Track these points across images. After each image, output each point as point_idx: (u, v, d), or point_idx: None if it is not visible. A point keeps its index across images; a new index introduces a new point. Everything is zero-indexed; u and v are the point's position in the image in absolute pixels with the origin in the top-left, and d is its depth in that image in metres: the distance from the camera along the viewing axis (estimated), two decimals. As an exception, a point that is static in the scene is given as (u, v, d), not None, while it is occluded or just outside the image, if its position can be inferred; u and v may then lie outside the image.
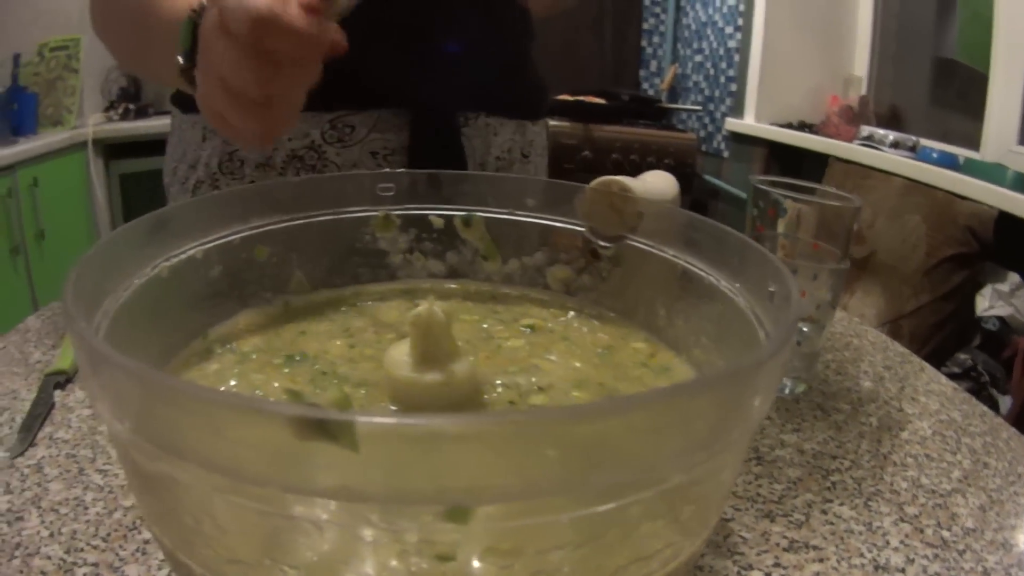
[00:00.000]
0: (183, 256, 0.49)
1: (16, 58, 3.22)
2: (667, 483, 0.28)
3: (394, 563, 0.26)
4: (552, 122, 3.22)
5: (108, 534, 0.55)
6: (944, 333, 2.41)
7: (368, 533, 0.26)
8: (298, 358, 0.48)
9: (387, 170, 0.60)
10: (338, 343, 0.51)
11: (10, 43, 3.28)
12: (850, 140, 2.94)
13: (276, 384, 0.44)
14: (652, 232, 0.55)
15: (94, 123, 3.47)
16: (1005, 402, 2.10)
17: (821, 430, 0.79)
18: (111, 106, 3.64)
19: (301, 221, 0.57)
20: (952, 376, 2.15)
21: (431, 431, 0.22)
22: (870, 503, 0.67)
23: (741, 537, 0.60)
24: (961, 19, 2.89)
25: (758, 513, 0.63)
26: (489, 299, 0.61)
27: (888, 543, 0.61)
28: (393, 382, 0.41)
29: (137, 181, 3.50)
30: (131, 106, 3.57)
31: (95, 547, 0.54)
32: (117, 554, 0.53)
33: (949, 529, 0.64)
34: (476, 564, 0.26)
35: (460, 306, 0.59)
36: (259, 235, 0.55)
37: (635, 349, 0.54)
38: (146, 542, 0.54)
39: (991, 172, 2.39)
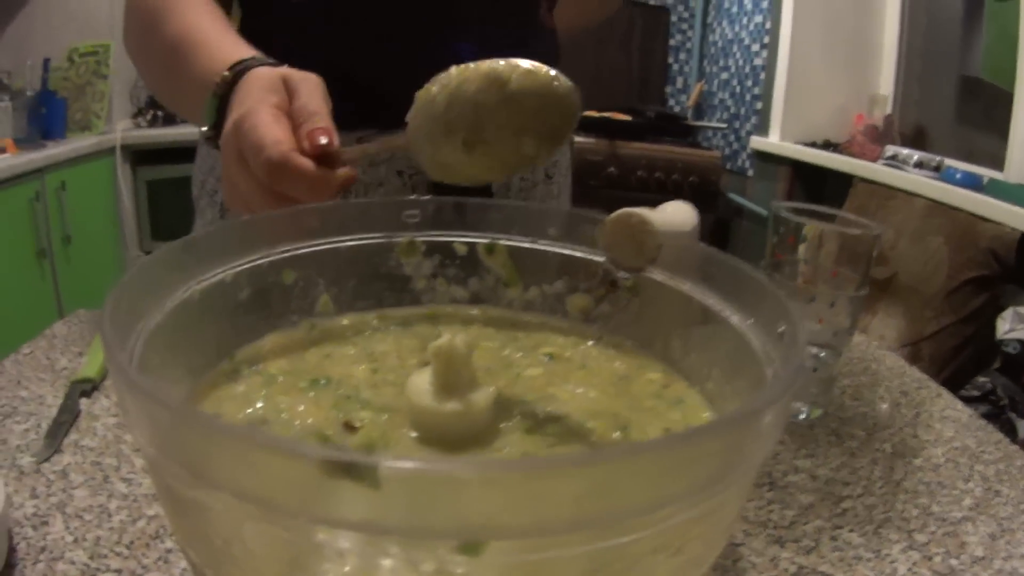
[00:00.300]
0: (214, 279, 0.51)
1: (46, 63, 3.28)
2: (671, 521, 0.30)
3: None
4: (577, 139, 3.24)
5: (131, 542, 0.57)
6: (964, 356, 2.43)
7: (387, 563, 0.27)
8: (323, 382, 0.50)
9: (413, 197, 0.62)
10: (362, 368, 0.53)
11: (40, 47, 3.35)
12: (875, 160, 2.96)
13: (301, 407, 0.46)
14: (670, 264, 0.57)
15: (122, 129, 3.53)
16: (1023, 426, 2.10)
17: (835, 456, 0.80)
18: (139, 112, 3.70)
19: (328, 246, 0.59)
20: (971, 399, 2.16)
21: (447, 476, 0.24)
22: (880, 530, 0.68)
23: (751, 562, 0.62)
24: (987, 37, 2.89)
25: (768, 539, 0.65)
26: (509, 326, 0.63)
27: (896, 570, 0.63)
28: (414, 410, 0.43)
29: (164, 188, 3.56)
30: (159, 113, 3.62)
31: (118, 554, 0.56)
32: (140, 562, 0.55)
33: (958, 557, 0.65)
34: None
35: (481, 332, 0.61)
36: (287, 259, 0.57)
37: (650, 380, 0.56)
38: (168, 551, 0.57)
39: (1015, 193, 2.40)
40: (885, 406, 0.93)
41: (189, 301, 0.48)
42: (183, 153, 3.22)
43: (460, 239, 0.63)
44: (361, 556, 0.27)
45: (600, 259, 0.61)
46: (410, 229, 0.62)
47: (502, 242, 0.63)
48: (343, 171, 0.60)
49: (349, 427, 0.44)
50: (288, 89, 0.66)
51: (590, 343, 0.61)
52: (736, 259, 0.52)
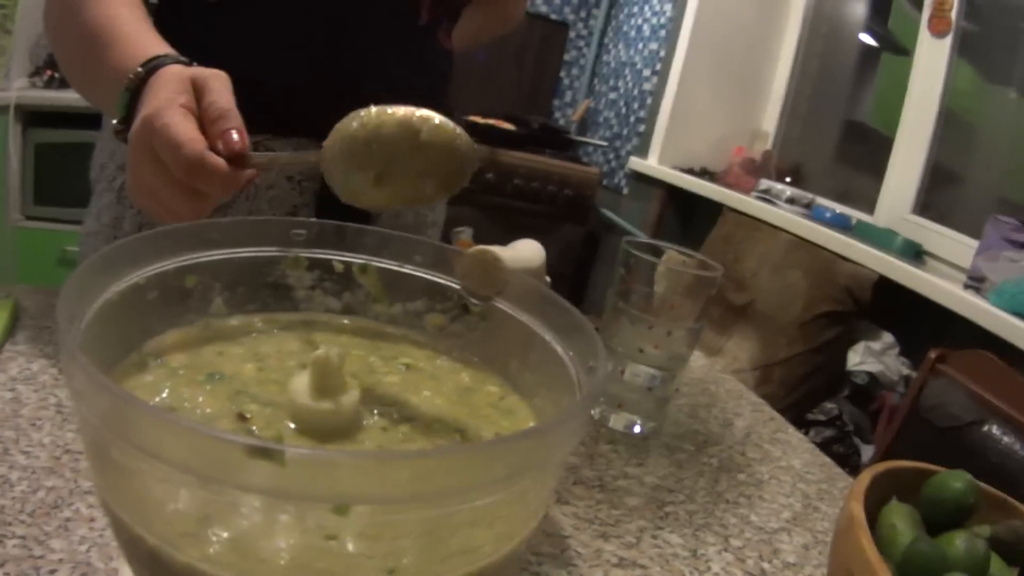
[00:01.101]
0: (130, 282, 0.61)
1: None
2: (483, 500, 0.42)
3: (296, 539, 0.40)
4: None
5: (33, 511, 0.63)
6: (813, 382, 2.59)
7: (282, 517, 0.40)
8: (217, 377, 0.60)
9: (301, 218, 0.73)
10: (249, 366, 0.63)
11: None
12: (748, 191, 3.14)
13: (200, 399, 0.57)
14: (515, 297, 0.69)
15: (18, 88, 3.42)
16: (867, 451, 2.30)
17: (664, 466, 0.87)
18: (37, 72, 3.58)
19: (224, 255, 0.69)
20: (817, 423, 2.35)
21: (329, 460, 0.37)
22: (698, 533, 0.76)
23: (577, 552, 0.70)
24: (879, 86, 3.07)
25: (595, 533, 0.73)
26: (374, 336, 0.74)
27: (710, 568, 0.71)
28: (295, 407, 0.55)
29: (53, 152, 3.45)
30: (56, 75, 3.50)
31: (22, 522, 0.61)
32: (42, 529, 0.61)
33: (770, 562, 0.73)
34: (351, 543, 0.40)
35: (350, 340, 0.72)
36: (189, 266, 0.66)
37: (489, 392, 0.68)
38: (68, 519, 0.63)
39: (881, 237, 2.60)
40: (716, 425, 1.03)
41: (110, 301, 0.57)
42: (77, 119, 3.18)
43: (338, 258, 0.74)
44: (263, 513, 0.39)
45: (456, 286, 0.72)
46: (296, 245, 0.72)
47: (374, 263, 0.74)
48: (249, 172, 0.70)
49: (241, 418, 0.55)
50: (196, 86, 0.72)
51: (442, 357, 0.73)
52: (566, 302, 0.64)
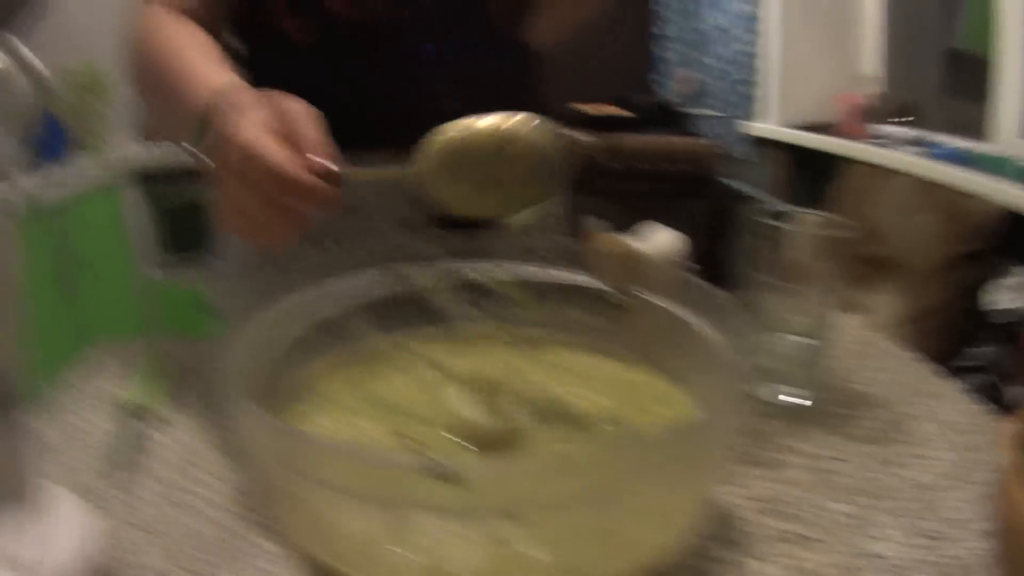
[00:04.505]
0: (279, 325, 0.64)
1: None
2: (650, 492, 0.43)
3: (477, 551, 0.42)
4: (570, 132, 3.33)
5: (206, 548, 0.63)
6: (960, 327, 2.49)
7: (464, 531, 0.41)
8: (375, 401, 0.63)
9: (434, 233, 0.75)
10: (405, 387, 0.67)
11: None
12: (861, 138, 3.04)
13: (362, 424, 0.60)
14: (656, 286, 0.70)
15: (125, 150, 3.57)
16: (1015, 392, 2.19)
17: (820, 434, 0.83)
18: (141, 134, 3.71)
19: (366, 285, 0.73)
20: (964, 370, 2.25)
21: (507, 473, 0.38)
22: (861, 499, 0.72)
23: (742, 531, 0.68)
24: (970, 7, 2.94)
25: (757, 509, 0.71)
26: (521, 340, 0.76)
27: (879, 534, 0.68)
28: (455, 421, 0.57)
29: (172, 206, 3.57)
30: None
31: (197, 559, 0.62)
32: (212, 564, 0.61)
33: (939, 520, 0.69)
34: (530, 550, 0.42)
35: (497, 348, 0.74)
36: (334, 298, 0.71)
37: (640, 382, 0.70)
38: (237, 550, 0.63)
39: (998, 165, 2.48)
40: (869, 386, 0.98)
41: (264, 345, 0.61)
42: (189, 173, 3.28)
43: (476, 268, 0.77)
44: (445, 529, 0.41)
45: (597, 283, 0.73)
46: (437, 259, 0.75)
47: (514, 271, 0.76)
48: (341, 189, 0.69)
49: (407, 438, 0.57)
50: (282, 115, 0.74)
51: (589, 352, 0.75)
52: (707, 284, 0.65)
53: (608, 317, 0.74)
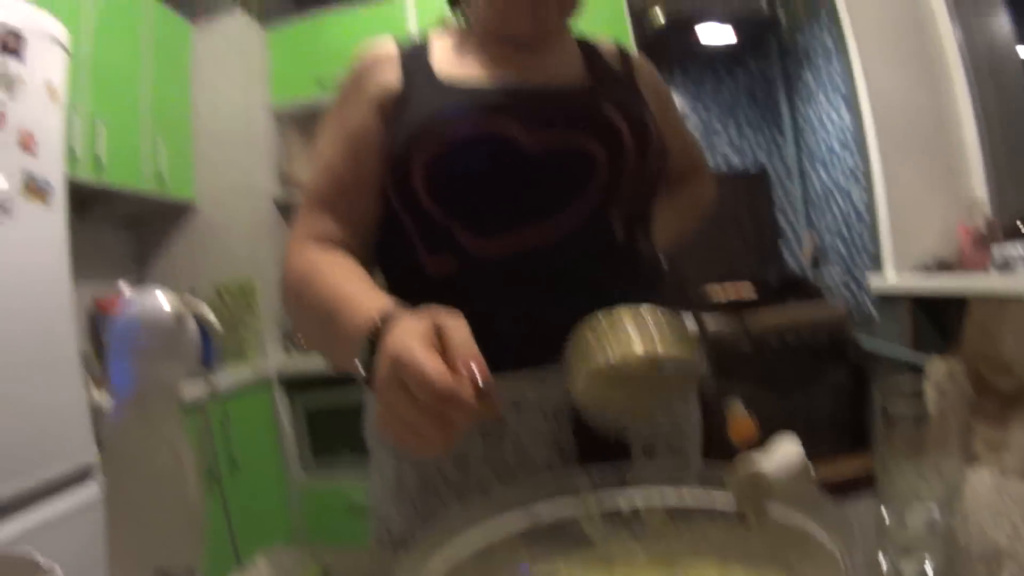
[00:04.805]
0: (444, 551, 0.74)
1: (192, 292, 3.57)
2: None
3: None
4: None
5: None
6: None
7: None
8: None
9: (585, 467, 0.84)
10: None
11: (183, 284, 3.69)
12: (985, 267, 2.97)
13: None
14: (783, 503, 0.77)
15: (275, 359, 3.82)
16: None
17: None
18: (289, 342, 3.98)
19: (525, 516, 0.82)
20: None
21: None
22: None
23: None
24: None
25: None
26: (664, 556, 0.83)
27: None
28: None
29: (321, 413, 3.77)
30: None
31: None
32: None
33: None
34: None
35: (644, 568, 0.82)
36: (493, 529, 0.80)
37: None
38: None
39: None
40: (1009, 541, 0.95)
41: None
42: (336, 380, 3.49)
43: (624, 497, 0.85)
44: None
45: (730, 504, 0.81)
46: (587, 490, 0.84)
47: (655, 502, 0.84)
48: (494, 403, 0.77)
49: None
50: (440, 333, 0.80)
51: (728, 563, 0.80)
52: (826, 499, 0.72)
53: (743, 532, 0.81)
